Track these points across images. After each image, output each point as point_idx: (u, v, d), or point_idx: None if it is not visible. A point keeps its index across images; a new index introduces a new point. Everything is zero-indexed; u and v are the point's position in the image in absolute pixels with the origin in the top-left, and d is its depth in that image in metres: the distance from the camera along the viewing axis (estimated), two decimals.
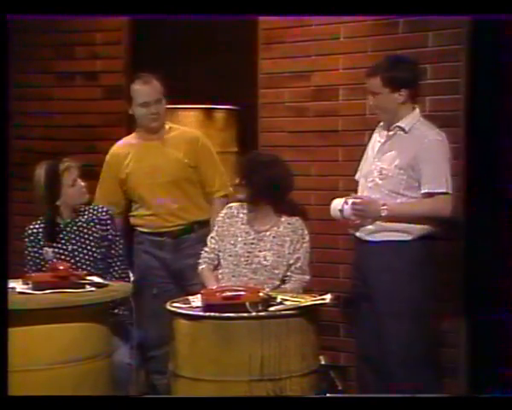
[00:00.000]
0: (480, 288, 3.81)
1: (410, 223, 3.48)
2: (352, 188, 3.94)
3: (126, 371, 3.49)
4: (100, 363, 3.13)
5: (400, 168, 3.48)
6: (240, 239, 3.63)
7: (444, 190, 3.45)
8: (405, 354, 3.45)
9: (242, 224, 3.67)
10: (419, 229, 3.49)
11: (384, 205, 3.48)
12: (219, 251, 3.67)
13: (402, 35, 4.02)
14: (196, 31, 4.53)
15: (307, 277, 3.62)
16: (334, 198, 3.61)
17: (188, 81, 4.63)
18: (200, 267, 3.71)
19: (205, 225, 3.93)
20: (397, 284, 3.45)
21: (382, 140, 3.60)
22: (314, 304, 3.21)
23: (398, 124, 3.54)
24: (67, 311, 3.03)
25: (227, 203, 3.85)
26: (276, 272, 3.58)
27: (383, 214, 3.47)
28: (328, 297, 3.22)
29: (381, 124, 3.65)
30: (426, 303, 3.51)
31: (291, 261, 3.59)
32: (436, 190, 3.45)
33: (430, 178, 3.45)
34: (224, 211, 3.74)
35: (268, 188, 3.57)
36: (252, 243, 3.62)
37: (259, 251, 3.61)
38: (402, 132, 3.54)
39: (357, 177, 3.74)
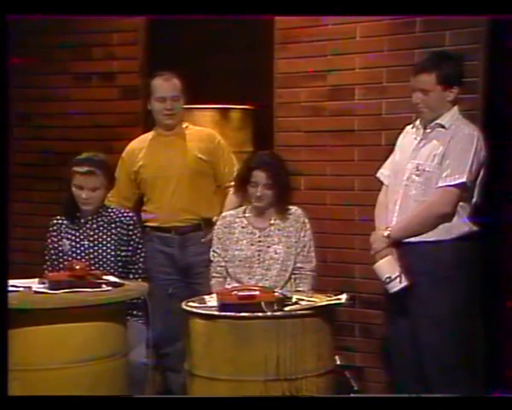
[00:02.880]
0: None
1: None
2: (367, 188, 3.94)
3: (142, 371, 3.50)
4: (116, 362, 3.13)
5: (436, 162, 3.34)
6: (246, 242, 3.62)
7: (457, 182, 3.28)
8: (443, 359, 3.31)
9: (243, 227, 3.65)
10: (459, 228, 3.33)
11: (387, 228, 3.38)
12: (226, 261, 3.65)
13: (419, 34, 3.99)
14: (212, 31, 4.54)
15: (314, 263, 3.62)
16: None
17: (203, 81, 4.63)
18: (211, 283, 3.69)
19: (214, 224, 3.89)
20: (434, 288, 3.28)
21: (419, 138, 3.44)
22: (329, 304, 3.21)
23: (438, 121, 3.39)
24: (84, 310, 3.03)
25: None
26: (288, 263, 3.58)
27: (386, 235, 3.35)
28: (343, 297, 3.22)
29: (417, 122, 3.49)
30: (464, 308, 3.32)
31: (298, 250, 3.59)
32: (450, 183, 3.29)
33: (448, 170, 3.30)
34: (220, 222, 3.71)
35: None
36: (259, 241, 3.61)
37: (268, 246, 3.60)
38: (442, 129, 3.39)
39: (379, 174, 3.60)
